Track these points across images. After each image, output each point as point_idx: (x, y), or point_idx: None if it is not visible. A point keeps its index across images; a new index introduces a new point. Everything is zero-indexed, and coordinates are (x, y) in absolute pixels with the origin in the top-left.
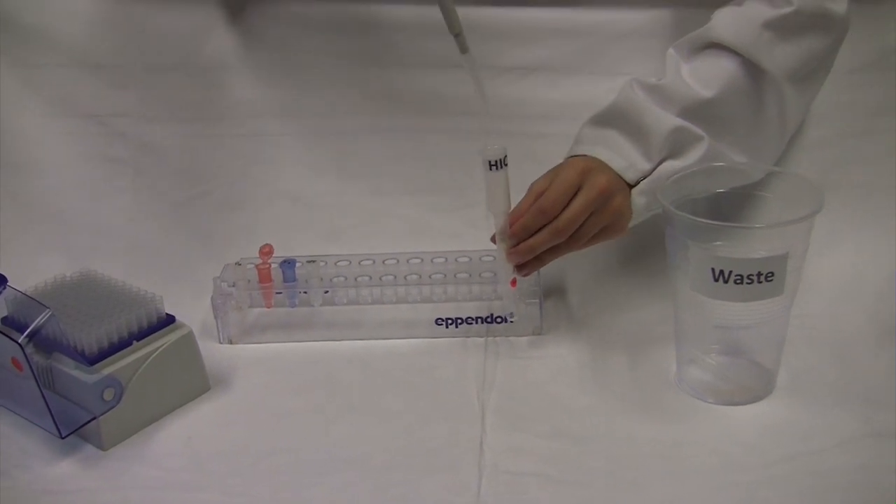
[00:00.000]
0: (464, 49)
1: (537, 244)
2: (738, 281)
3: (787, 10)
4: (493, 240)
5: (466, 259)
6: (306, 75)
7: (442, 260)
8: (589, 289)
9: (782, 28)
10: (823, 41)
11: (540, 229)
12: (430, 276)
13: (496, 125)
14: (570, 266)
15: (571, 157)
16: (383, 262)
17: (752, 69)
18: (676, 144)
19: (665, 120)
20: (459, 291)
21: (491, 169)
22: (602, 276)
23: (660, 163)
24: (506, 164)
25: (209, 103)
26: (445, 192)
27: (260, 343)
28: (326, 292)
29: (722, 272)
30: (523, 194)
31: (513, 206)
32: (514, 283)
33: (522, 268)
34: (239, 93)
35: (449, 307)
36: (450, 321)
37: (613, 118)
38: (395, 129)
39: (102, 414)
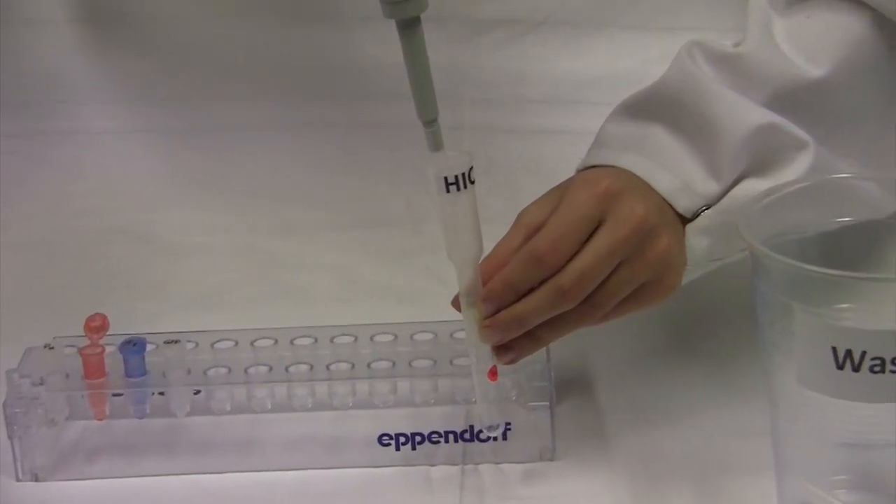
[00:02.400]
0: (438, 145)
1: (529, 313)
2: (878, 368)
3: None
4: (455, 304)
5: (429, 336)
6: (175, 38)
7: (389, 338)
8: (626, 383)
9: None
10: None
11: (534, 288)
12: (369, 366)
13: (469, 115)
14: (594, 345)
15: (587, 168)
16: (292, 342)
17: (890, 32)
18: (763, 153)
19: (746, 112)
20: (418, 390)
21: (448, 190)
22: (646, 361)
23: (735, 183)
24: (472, 181)
25: (12, 82)
26: (394, 226)
27: (85, 479)
28: (198, 393)
29: (850, 354)
30: (507, 228)
31: (488, 250)
32: (493, 373)
33: (506, 351)
34: (63, 65)
35: (401, 417)
36: (403, 439)
37: (659, 107)
38: (315, 123)
39: None
